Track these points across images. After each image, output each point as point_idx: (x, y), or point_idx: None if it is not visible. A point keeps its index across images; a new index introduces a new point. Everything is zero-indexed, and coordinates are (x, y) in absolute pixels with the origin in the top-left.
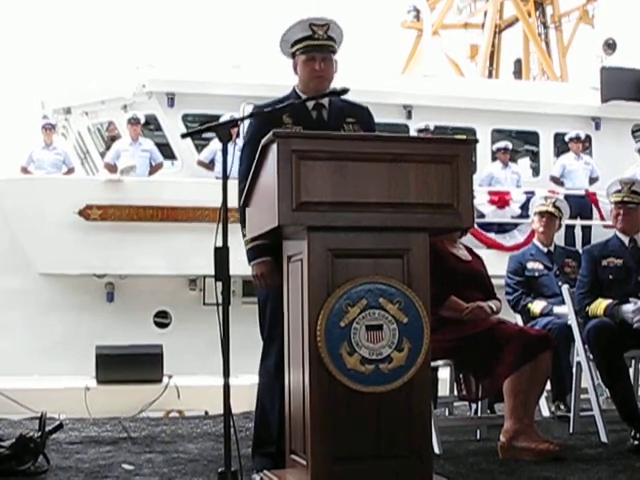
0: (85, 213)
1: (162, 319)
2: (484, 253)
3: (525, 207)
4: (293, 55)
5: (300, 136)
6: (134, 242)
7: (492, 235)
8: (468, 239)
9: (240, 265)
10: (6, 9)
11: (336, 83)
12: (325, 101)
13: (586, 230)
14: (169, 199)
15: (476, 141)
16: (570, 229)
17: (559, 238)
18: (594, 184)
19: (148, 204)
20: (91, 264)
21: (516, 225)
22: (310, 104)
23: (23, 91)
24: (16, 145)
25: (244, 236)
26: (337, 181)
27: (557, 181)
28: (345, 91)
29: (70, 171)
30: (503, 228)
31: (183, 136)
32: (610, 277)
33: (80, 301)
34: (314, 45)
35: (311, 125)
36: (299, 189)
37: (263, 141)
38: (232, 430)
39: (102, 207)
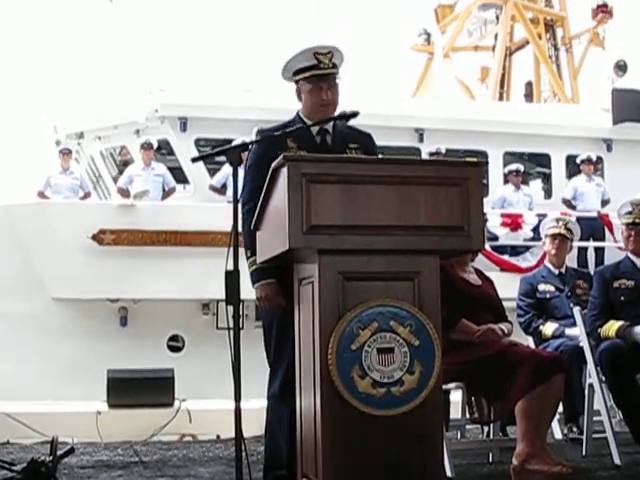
0: (98, 238)
1: (175, 343)
2: (495, 276)
3: (537, 229)
4: (297, 81)
5: (310, 160)
6: (147, 266)
7: (506, 257)
8: (481, 261)
9: (253, 289)
10: (18, 33)
11: (347, 107)
12: (329, 126)
13: (599, 252)
14: (182, 223)
15: (486, 163)
16: (583, 251)
17: (572, 260)
18: (606, 206)
19: (161, 228)
20: (104, 288)
21: (528, 248)
22: (314, 129)
23: (36, 115)
24: (29, 169)
25: (247, 259)
26: (347, 204)
27: (569, 203)
28: (355, 114)
29: (87, 195)
30: (516, 251)
31: (194, 160)
32: (622, 299)
33: (93, 325)
34: (320, 75)
35: (315, 150)
36: (309, 212)
37: (273, 165)
38: (243, 454)
39: (115, 232)
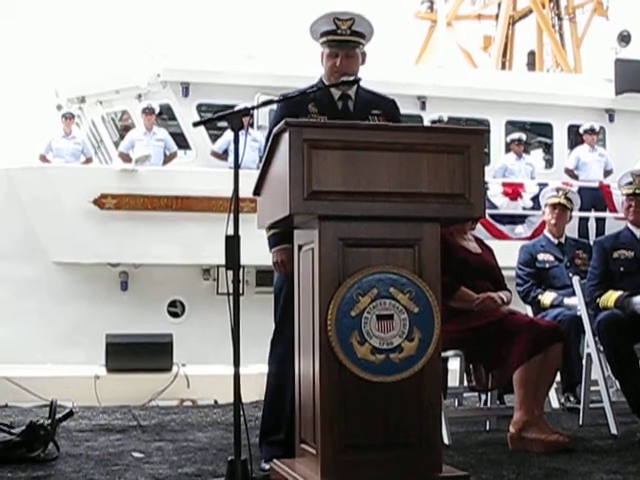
0: (100, 202)
1: (175, 308)
2: (494, 244)
3: (537, 199)
4: (321, 44)
5: (312, 125)
6: (148, 231)
7: (501, 226)
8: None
9: (254, 255)
10: None
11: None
12: (352, 92)
13: (600, 222)
14: (183, 188)
15: (487, 131)
16: (584, 221)
17: (573, 230)
18: (608, 176)
19: (162, 193)
20: (105, 253)
21: (525, 217)
22: (336, 94)
23: (37, 79)
24: (30, 132)
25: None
26: (349, 170)
27: (571, 173)
28: (356, 81)
29: (88, 160)
30: (513, 220)
31: (195, 124)
32: (621, 269)
33: (94, 290)
34: (336, 40)
35: (336, 115)
36: (310, 178)
37: (275, 130)
38: (242, 419)
39: (117, 196)
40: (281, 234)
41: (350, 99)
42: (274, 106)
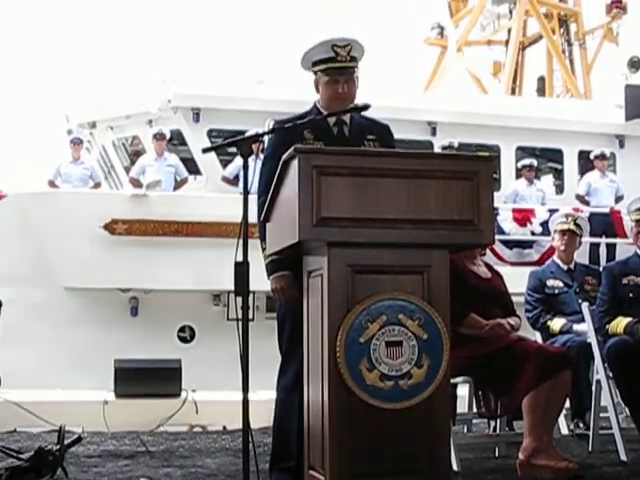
0: (110, 227)
1: (185, 334)
2: (503, 270)
3: (546, 224)
4: (315, 72)
5: (321, 152)
6: (159, 257)
7: (508, 251)
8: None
9: (264, 281)
10: (32, 23)
11: (359, 99)
12: (346, 117)
13: (611, 248)
14: (194, 214)
15: (497, 158)
16: (594, 247)
17: (583, 256)
18: (619, 202)
19: (173, 219)
20: (116, 278)
21: (533, 242)
22: (331, 120)
23: (48, 104)
24: (41, 158)
25: (263, 250)
26: (358, 197)
27: (582, 199)
28: (366, 107)
29: (97, 185)
30: (521, 245)
31: (204, 151)
32: (630, 295)
33: (104, 315)
34: (337, 67)
35: (332, 141)
36: (320, 205)
37: (284, 157)
38: (250, 445)
39: (127, 222)
40: (279, 261)
41: (345, 125)
42: None
